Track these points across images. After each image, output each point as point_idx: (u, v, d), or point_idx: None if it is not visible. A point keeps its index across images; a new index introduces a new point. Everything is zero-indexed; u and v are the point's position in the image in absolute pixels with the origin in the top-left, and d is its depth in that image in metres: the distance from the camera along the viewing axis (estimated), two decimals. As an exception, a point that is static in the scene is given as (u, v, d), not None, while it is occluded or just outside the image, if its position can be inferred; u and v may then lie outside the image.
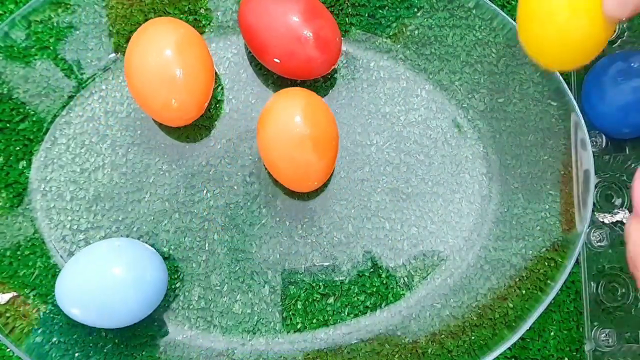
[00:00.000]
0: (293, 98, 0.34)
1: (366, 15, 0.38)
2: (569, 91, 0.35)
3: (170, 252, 0.36)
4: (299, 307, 0.36)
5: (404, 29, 0.38)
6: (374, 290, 0.36)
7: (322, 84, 0.38)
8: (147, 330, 0.35)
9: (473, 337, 0.34)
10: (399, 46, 0.38)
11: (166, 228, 0.36)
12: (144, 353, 0.34)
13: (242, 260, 0.36)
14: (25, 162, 0.36)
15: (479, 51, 0.37)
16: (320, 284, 0.36)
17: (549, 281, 0.34)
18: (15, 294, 0.34)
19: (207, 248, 0.36)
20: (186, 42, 0.34)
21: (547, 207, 0.36)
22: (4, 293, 0.34)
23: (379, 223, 0.37)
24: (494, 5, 0.36)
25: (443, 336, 0.35)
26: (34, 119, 0.37)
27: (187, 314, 0.35)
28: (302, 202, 0.37)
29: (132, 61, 0.34)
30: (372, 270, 0.36)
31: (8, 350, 0.35)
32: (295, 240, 0.36)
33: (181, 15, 0.38)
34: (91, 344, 0.34)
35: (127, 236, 0.36)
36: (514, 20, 0.37)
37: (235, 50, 0.38)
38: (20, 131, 0.36)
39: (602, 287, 0.36)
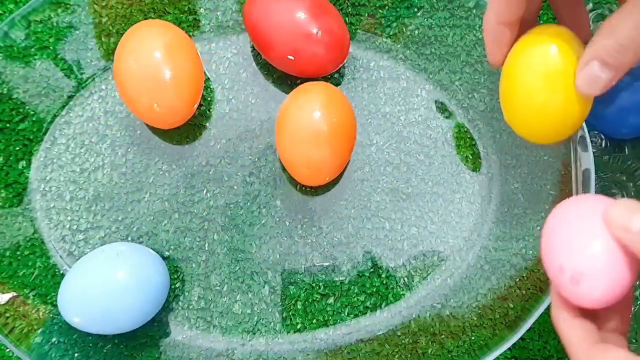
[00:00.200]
0: (313, 92, 0.34)
1: (366, 15, 0.38)
2: (569, 91, 0.35)
3: (170, 252, 0.36)
4: (299, 307, 0.36)
5: (404, 29, 0.38)
6: (374, 290, 0.36)
7: (322, 84, 0.38)
8: (147, 330, 0.35)
9: (473, 338, 0.34)
10: (399, 46, 0.38)
11: (166, 228, 0.36)
12: (143, 353, 0.34)
13: (242, 260, 0.36)
14: (25, 162, 0.36)
15: (479, 51, 0.37)
16: (320, 284, 0.36)
17: (549, 281, 0.34)
18: (14, 294, 0.34)
19: (207, 248, 0.36)
20: (175, 44, 0.34)
21: (547, 207, 0.35)
22: (3, 293, 0.34)
23: (379, 223, 0.37)
24: (494, 5, 0.36)
25: (443, 336, 0.34)
26: (34, 118, 0.36)
27: (187, 314, 0.35)
28: (302, 202, 0.37)
29: (120, 65, 0.34)
30: (372, 270, 0.36)
31: (8, 350, 0.35)
32: (295, 240, 0.36)
33: (181, 15, 0.38)
34: (91, 344, 0.34)
35: (127, 236, 0.36)
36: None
37: (235, 50, 0.38)
38: (20, 131, 0.36)
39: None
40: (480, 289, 0.35)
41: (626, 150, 0.38)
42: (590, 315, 0.26)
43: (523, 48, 0.29)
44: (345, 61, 0.38)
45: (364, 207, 0.37)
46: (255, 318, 0.35)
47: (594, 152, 0.35)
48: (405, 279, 0.36)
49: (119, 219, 0.36)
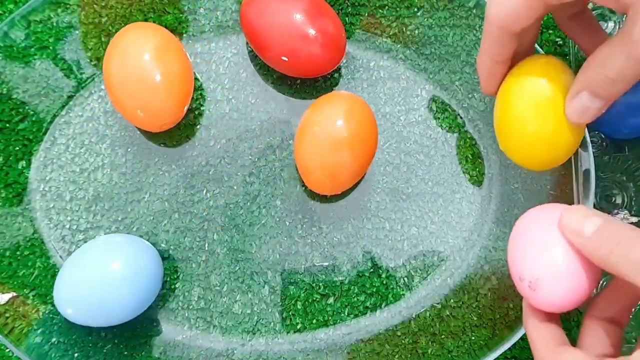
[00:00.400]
0: (336, 102, 0.34)
1: (366, 14, 0.38)
2: (569, 91, 0.35)
3: (170, 252, 0.36)
4: (299, 307, 0.36)
5: (404, 29, 0.38)
6: (374, 290, 0.36)
7: (322, 83, 0.38)
8: (147, 330, 0.35)
9: (473, 338, 0.34)
10: (399, 46, 0.38)
11: (166, 228, 0.36)
12: (143, 353, 0.34)
13: (241, 260, 0.36)
14: (24, 162, 0.36)
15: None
16: (320, 284, 0.36)
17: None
18: (14, 294, 0.34)
19: (206, 248, 0.36)
20: (163, 47, 0.34)
21: (547, 207, 0.35)
22: (3, 293, 0.34)
23: (379, 223, 0.37)
24: (494, 5, 0.36)
25: (443, 336, 0.34)
26: (34, 119, 0.36)
27: (186, 314, 0.35)
28: (302, 202, 0.37)
29: (109, 68, 0.34)
30: (372, 270, 0.36)
31: (7, 350, 0.35)
32: (295, 240, 0.36)
33: (181, 15, 0.38)
34: (90, 344, 0.34)
35: (127, 236, 0.36)
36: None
37: (235, 50, 0.38)
38: (20, 131, 0.36)
39: (601, 288, 0.36)
40: (480, 289, 0.35)
41: (626, 150, 0.38)
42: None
43: (515, 79, 0.30)
44: (344, 61, 0.38)
45: (364, 207, 0.37)
46: (255, 318, 0.35)
47: (594, 153, 0.35)
48: (405, 279, 0.36)
49: (119, 219, 0.36)
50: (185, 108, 0.36)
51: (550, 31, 0.39)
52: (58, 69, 0.37)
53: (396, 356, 0.34)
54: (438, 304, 0.35)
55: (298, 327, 0.35)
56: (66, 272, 0.32)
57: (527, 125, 0.29)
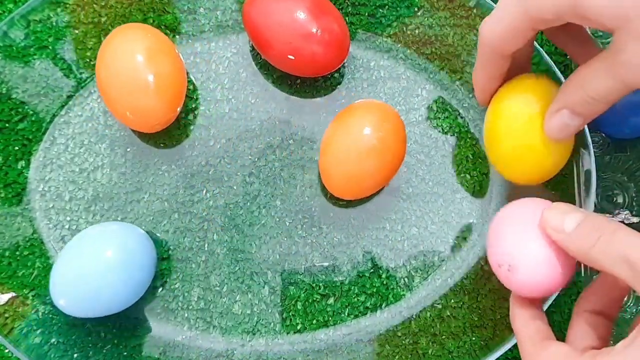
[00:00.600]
0: (366, 110, 0.34)
1: (366, 14, 0.38)
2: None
3: (170, 252, 0.36)
4: (299, 307, 0.36)
5: (405, 28, 0.38)
6: (374, 290, 0.36)
7: (322, 83, 0.38)
8: (147, 330, 0.35)
9: (474, 338, 0.34)
10: (399, 45, 0.38)
11: (165, 228, 0.36)
12: (143, 353, 0.34)
13: (241, 260, 0.36)
14: (24, 162, 0.36)
15: (480, 51, 0.37)
16: (320, 284, 0.36)
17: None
18: (14, 294, 0.34)
19: (206, 248, 0.36)
20: (155, 48, 0.34)
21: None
22: (2, 293, 0.34)
23: (379, 223, 0.36)
24: (494, 5, 0.36)
25: (444, 337, 0.34)
26: (33, 118, 0.36)
27: (186, 315, 0.35)
28: (302, 202, 0.37)
29: (100, 70, 0.34)
30: (372, 270, 0.36)
31: (7, 350, 0.35)
32: (295, 240, 0.36)
33: (181, 15, 0.38)
34: (90, 344, 0.34)
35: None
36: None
37: (235, 49, 0.38)
38: (19, 131, 0.36)
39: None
40: (481, 289, 0.35)
41: (627, 150, 0.38)
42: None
43: (505, 95, 0.31)
44: (345, 61, 0.37)
45: (364, 207, 0.37)
46: (255, 318, 0.35)
47: (595, 153, 0.35)
48: (406, 279, 0.36)
49: (119, 219, 0.36)
50: (178, 109, 0.35)
51: (551, 31, 0.39)
52: (57, 69, 0.37)
53: (396, 357, 0.34)
54: (438, 304, 0.35)
55: (298, 327, 0.35)
56: (59, 263, 0.32)
57: (514, 142, 0.30)
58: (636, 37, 0.23)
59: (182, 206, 0.36)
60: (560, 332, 0.36)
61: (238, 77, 0.38)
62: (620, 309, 0.28)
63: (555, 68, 0.35)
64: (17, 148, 0.36)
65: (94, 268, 0.31)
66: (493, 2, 0.36)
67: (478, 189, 0.37)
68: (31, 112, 0.36)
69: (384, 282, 0.36)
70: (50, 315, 0.34)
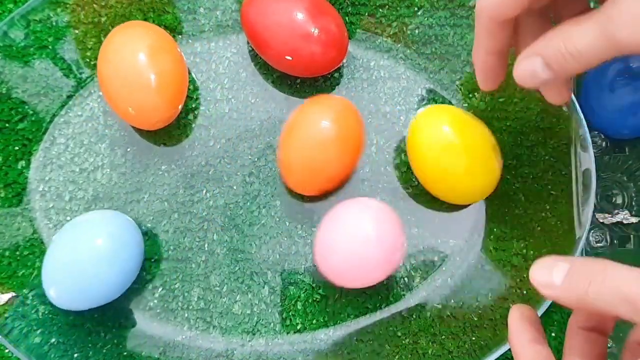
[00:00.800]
0: (324, 104, 0.34)
1: (366, 14, 0.38)
2: (569, 91, 0.35)
3: (170, 252, 0.36)
4: (299, 307, 0.36)
5: (405, 28, 0.38)
6: (374, 290, 0.36)
7: (322, 83, 0.38)
8: (147, 330, 0.35)
9: (474, 338, 0.34)
10: (399, 45, 0.38)
11: (165, 228, 0.36)
12: (143, 354, 0.34)
13: (241, 260, 0.36)
14: (24, 162, 0.36)
15: (480, 51, 0.37)
16: (320, 284, 0.36)
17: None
18: (14, 294, 0.34)
19: (206, 248, 0.36)
20: (156, 45, 0.34)
21: (548, 207, 0.35)
22: (2, 293, 0.34)
23: (379, 223, 0.36)
24: (494, 5, 0.36)
25: (444, 337, 0.34)
26: (33, 118, 0.36)
27: (186, 315, 0.35)
28: (302, 202, 0.37)
29: (102, 67, 0.34)
30: (372, 270, 0.36)
31: (7, 350, 0.35)
32: (295, 240, 0.36)
33: (180, 15, 0.38)
34: (90, 345, 0.34)
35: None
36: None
37: (234, 49, 0.38)
38: (19, 131, 0.36)
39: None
40: (481, 289, 0.35)
41: (627, 150, 0.38)
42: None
43: (420, 127, 0.34)
44: (344, 61, 0.37)
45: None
46: (255, 318, 0.35)
47: (594, 152, 0.35)
48: (406, 279, 0.36)
49: (119, 219, 0.36)
50: (180, 106, 0.36)
51: (551, 31, 0.39)
52: (57, 69, 0.37)
53: (396, 357, 0.34)
54: (438, 304, 0.35)
55: (298, 327, 0.35)
56: (49, 254, 0.32)
57: (436, 169, 0.34)
58: None
59: (182, 206, 0.36)
60: (560, 332, 0.36)
61: (238, 77, 0.38)
62: (614, 323, 0.27)
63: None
64: (17, 148, 0.36)
65: (82, 256, 0.31)
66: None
67: (478, 189, 0.37)
68: (31, 112, 0.36)
69: (384, 282, 0.36)
70: (50, 316, 0.34)
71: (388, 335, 0.35)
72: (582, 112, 0.35)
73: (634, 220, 0.37)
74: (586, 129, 0.35)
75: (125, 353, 0.34)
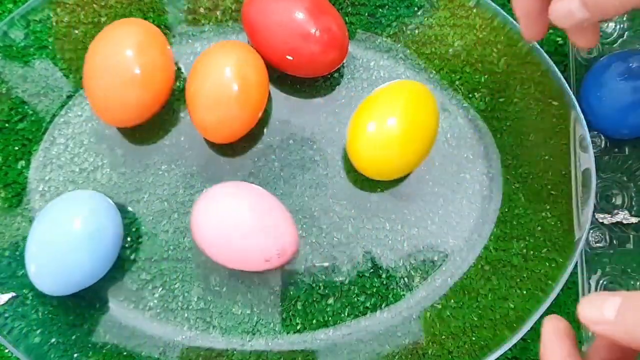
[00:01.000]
0: (226, 49, 0.34)
1: (366, 14, 0.38)
2: (569, 91, 0.35)
3: (170, 252, 0.36)
4: (299, 307, 0.36)
5: (404, 28, 0.38)
6: (374, 290, 0.36)
7: (322, 83, 0.38)
8: (147, 330, 0.35)
9: (474, 338, 0.34)
10: (399, 45, 0.38)
11: (165, 228, 0.36)
12: (143, 354, 0.34)
13: (241, 260, 0.36)
14: (24, 162, 0.36)
15: (480, 50, 0.37)
16: (320, 284, 0.36)
17: (549, 281, 0.34)
18: (14, 294, 0.34)
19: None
20: (145, 42, 0.34)
21: (548, 207, 0.35)
22: (3, 293, 0.34)
23: (379, 223, 0.36)
24: (494, 5, 0.36)
25: (443, 337, 0.34)
26: (33, 118, 0.36)
27: (186, 315, 0.35)
28: (302, 202, 0.37)
29: (87, 67, 0.34)
30: (372, 270, 0.36)
31: (7, 350, 0.35)
32: (295, 240, 0.36)
33: (180, 15, 0.38)
34: (90, 345, 0.34)
35: (126, 236, 0.36)
36: (515, 19, 0.37)
37: (234, 49, 0.38)
38: (19, 131, 0.36)
39: (601, 288, 0.36)
40: (481, 290, 0.35)
41: (626, 150, 0.38)
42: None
43: (370, 103, 0.34)
44: (345, 61, 0.37)
45: (364, 207, 0.37)
46: (255, 318, 0.35)
47: (594, 152, 0.35)
48: (406, 279, 0.36)
49: (119, 219, 0.36)
50: (165, 101, 0.36)
51: (551, 31, 0.39)
52: (57, 69, 0.37)
53: (396, 357, 0.34)
54: (438, 304, 0.35)
55: (298, 327, 0.35)
56: (30, 234, 0.32)
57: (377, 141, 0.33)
58: None
59: (182, 206, 0.36)
60: (559, 332, 0.36)
61: (238, 77, 0.38)
62: (635, 356, 0.26)
63: (556, 68, 0.35)
64: (17, 148, 0.36)
65: (62, 237, 0.32)
66: (493, 2, 0.37)
67: (478, 188, 0.37)
68: (31, 112, 0.36)
69: (384, 282, 0.36)
70: (50, 316, 0.34)
71: (388, 336, 0.35)
72: (582, 112, 0.35)
73: (633, 220, 0.37)
74: (586, 129, 0.35)
75: (125, 353, 0.34)
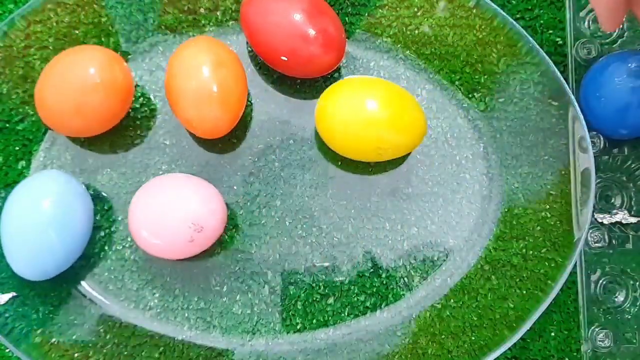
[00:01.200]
0: (202, 48, 0.34)
1: (366, 14, 0.38)
2: (569, 91, 0.35)
3: (170, 252, 0.36)
4: (299, 307, 0.36)
5: (404, 29, 0.38)
6: (374, 290, 0.36)
7: (322, 83, 0.38)
8: (147, 330, 0.35)
9: (473, 338, 0.34)
10: (399, 46, 0.38)
11: (166, 228, 0.36)
12: (143, 353, 0.34)
13: (241, 260, 0.36)
14: (24, 162, 0.36)
15: (479, 51, 0.37)
16: (320, 284, 0.36)
17: (549, 281, 0.34)
18: (14, 294, 0.34)
19: (206, 248, 0.36)
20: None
21: (547, 207, 0.35)
22: (3, 293, 0.34)
23: (379, 223, 0.37)
24: (494, 5, 0.36)
25: (443, 337, 0.34)
26: (33, 119, 0.36)
27: (186, 315, 0.35)
28: (302, 202, 0.37)
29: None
30: (372, 270, 0.36)
31: (7, 350, 0.35)
32: (295, 240, 0.36)
33: (180, 15, 0.38)
34: (90, 344, 0.34)
35: (127, 236, 0.36)
36: (514, 19, 0.37)
37: (234, 50, 0.38)
38: (20, 131, 0.36)
39: (601, 287, 0.36)
40: (481, 289, 0.35)
41: (626, 150, 0.38)
42: None
43: (332, 95, 0.35)
44: (344, 61, 0.38)
45: (364, 207, 0.37)
46: (255, 318, 0.35)
47: (593, 152, 0.35)
48: (405, 279, 0.36)
49: (119, 219, 0.36)
50: (130, 105, 0.36)
51: (551, 31, 0.39)
52: (58, 69, 0.37)
53: (396, 356, 0.34)
54: (438, 304, 0.35)
55: (298, 327, 0.35)
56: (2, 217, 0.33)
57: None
58: None
59: (182, 206, 0.36)
60: (560, 331, 0.36)
61: (238, 77, 0.38)
62: None
63: (555, 68, 0.35)
64: (17, 148, 0.36)
65: (27, 218, 0.32)
66: (493, 2, 0.37)
67: (477, 188, 0.37)
68: (31, 112, 0.36)
69: (384, 282, 0.36)
70: (51, 315, 0.34)
71: (388, 335, 0.35)
72: (582, 112, 0.35)
73: (633, 220, 0.37)
74: (585, 129, 0.35)
75: (125, 353, 0.34)
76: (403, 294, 0.36)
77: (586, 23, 0.38)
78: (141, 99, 0.37)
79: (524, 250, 0.35)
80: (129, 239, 0.36)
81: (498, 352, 0.33)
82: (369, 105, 0.34)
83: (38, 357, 0.33)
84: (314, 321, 0.35)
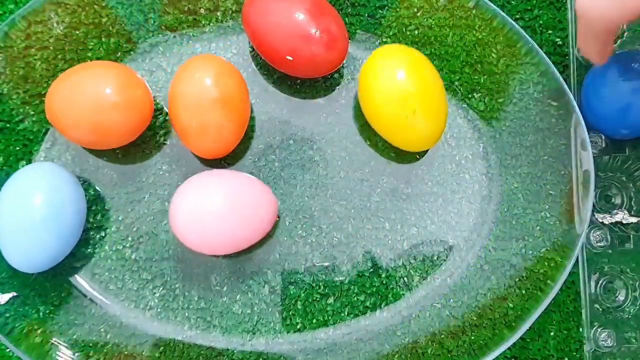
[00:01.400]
0: (205, 63, 0.34)
1: (366, 15, 0.38)
2: (569, 91, 0.35)
3: (170, 252, 0.36)
4: (299, 307, 0.36)
5: (404, 29, 0.38)
6: (374, 290, 0.36)
7: (322, 84, 0.38)
8: (147, 330, 0.35)
9: (473, 337, 0.34)
10: (398, 46, 0.38)
11: (166, 228, 0.36)
12: (143, 354, 0.34)
13: (241, 260, 0.36)
14: (25, 162, 0.36)
15: (479, 51, 0.37)
16: (320, 284, 0.36)
17: (549, 281, 0.34)
18: (14, 294, 0.34)
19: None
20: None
21: (547, 207, 0.36)
22: (3, 293, 0.34)
23: (379, 223, 0.37)
24: (493, 5, 0.36)
25: (443, 336, 0.35)
26: (34, 119, 0.36)
27: (186, 314, 0.35)
28: (302, 202, 0.37)
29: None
30: (371, 270, 0.36)
31: (8, 350, 0.35)
32: (295, 240, 0.36)
33: (181, 15, 0.38)
34: (90, 344, 0.34)
35: (127, 236, 0.36)
36: (514, 20, 0.37)
37: (235, 50, 0.38)
38: (20, 131, 0.36)
39: (601, 287, 0.36)
40: (480, 289, 0.35)
41: (626, 150, 0.38)
42: None
43: (372, 67, 0.34)
44: (345, 61, 0.38)
45: (364, 207, 0.37)
46: (255, 318, 0.35)
47: (593, 153, 0.35)
48: (405, 278, 0.36)
49: (119, 219, 0.36)
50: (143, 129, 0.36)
51: (550, 31, 0.39)
52: (58, 70, 0.37)
53: (396, 356, 0.34)
54: (438, 303, 0.36)
55: (298, 327, 0.35)
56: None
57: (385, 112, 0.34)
58: None
59: (183, 206, 0.36)
60: (559, 331, 0.36)
61: (238, 77, 0.38)
62: None
63: (554, 68, 0.35)
64: (18, 148, 0.36)
65: (23, 211, 0.32)
66: (492, 2, 0.37)
67: (477, 188, 0.37)
68: (32, 113, 0.36)
69: (384, 282, 0.36)
70: (51, 315, 0.34)
71: (388, 335, 0.35)
72: (582, 112, 0.35)
73: (633, 220, 0.37)
74: (585, 129, 0.35)
75: (125, 353, 0.34)
76: (403, 294, 0.36)
77: (586, 23, 0.38)
78: (141, 99, 0.37)
79: (523, 250, 0.35)
80: (129, 239, 0.36)
81: (498, 352, 0.33)
82: (425, 72, 0.34)
83: (38, 357, 0.33)
84: (314, 321, 0.35)
